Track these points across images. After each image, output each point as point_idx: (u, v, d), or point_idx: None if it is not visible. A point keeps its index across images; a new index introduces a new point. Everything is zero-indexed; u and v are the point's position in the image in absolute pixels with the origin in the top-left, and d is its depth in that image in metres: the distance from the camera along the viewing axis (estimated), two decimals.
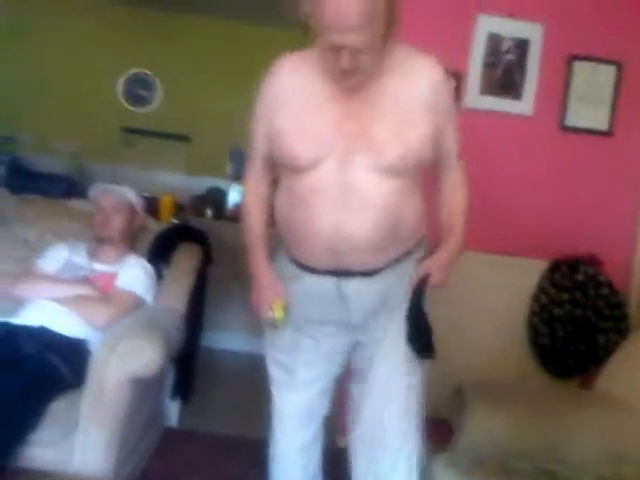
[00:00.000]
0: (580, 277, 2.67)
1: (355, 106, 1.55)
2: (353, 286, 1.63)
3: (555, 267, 2.71)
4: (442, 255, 1.68)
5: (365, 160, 1.52)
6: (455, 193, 1.74)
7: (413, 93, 1.57)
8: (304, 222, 1.60)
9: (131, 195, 2.81)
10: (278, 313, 1.72)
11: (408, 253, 1.68)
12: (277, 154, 1.64)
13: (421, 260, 1.70)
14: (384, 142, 1.53)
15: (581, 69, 2.84)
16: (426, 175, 1.69)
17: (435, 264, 1.67)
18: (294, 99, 1.61)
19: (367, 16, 1.39)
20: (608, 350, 2.55)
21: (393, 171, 1.54)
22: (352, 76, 1.50)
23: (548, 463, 1.81)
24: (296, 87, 1.62)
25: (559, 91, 2.86)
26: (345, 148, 1.53)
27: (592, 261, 2.65)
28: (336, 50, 1.44)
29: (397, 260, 1.66)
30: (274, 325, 1.74)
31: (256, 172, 1.79)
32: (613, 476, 1.78)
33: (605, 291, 2.63)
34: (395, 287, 1.67)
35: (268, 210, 1.78)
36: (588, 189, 2.89)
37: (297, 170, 1.58)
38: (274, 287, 1.75)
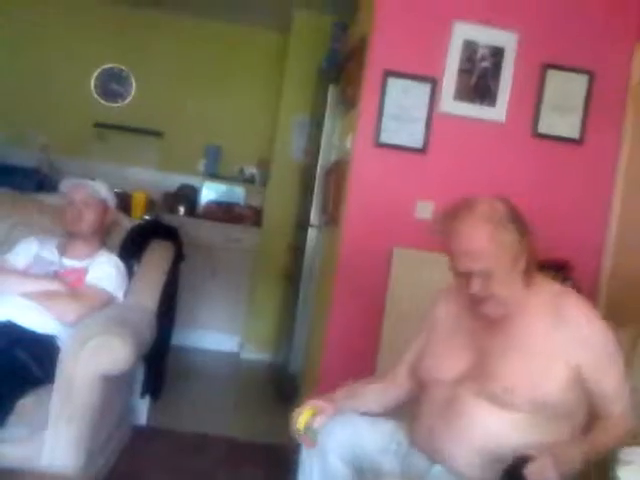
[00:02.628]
0: None
1: (490, 340, 1.62)
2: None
3: None
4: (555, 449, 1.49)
5: (473, 387, 1.58)
6: (606, 422, 1.60)
7: (552, 335, 1.56)
8: (411, 425, 1.72)
9: (103, 190, 2.78)
10: (303, 418, 1.67)
11: None
12: (419, 369, 1.79)
13: None
14: (496, 373, 1.56)
15: (554, 77, 2.89)
16: None
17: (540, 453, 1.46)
18: (444, 326, 1.77)
19: (489, 244, 1.53)
20: None
21: (501, 403, 1.54)
22: (485, 303, 1.59)
23: None
24: (448, 316, 1.77)
25: (532, 98, 2.91)
26: (461, 373, 1.62)
27: (560, 265, 2.70)
28: (466, 276, 1.56)
29: None
30: (297, 432, 1.69)
31: (399, 373, 1.88)
32: None
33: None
34: None
35: (379, 407, 1.84)
36: (559, 195, 2.95)
37: (422, 384, 1.74)
38: (327, 403, 1.75)
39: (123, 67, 5.10)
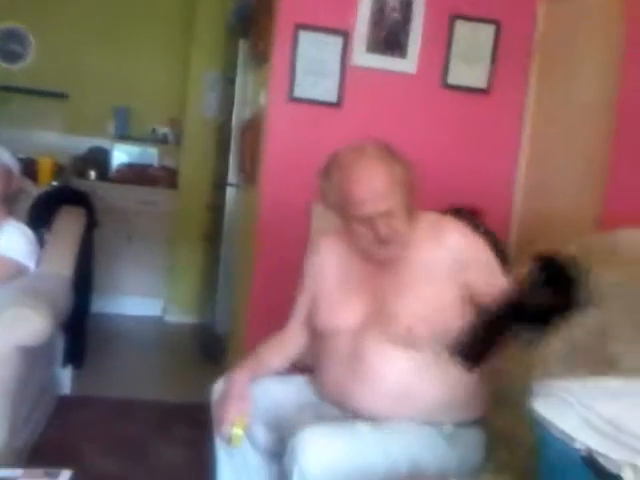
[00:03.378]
0: None
1: (383, 282, 1.63)
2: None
3: None
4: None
5: (375, 333, 1.59)
6: None
7: (439, 261, 1.59)
8: (319, 380, 1.72)
9: (6, 157, 2.67)
10: (237, 430, 1.62)
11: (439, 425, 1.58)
12: (312, 320, 1.78)
13: None
14: (397, 314, 1.57)
15: (462, 28, 2.94)
16: None
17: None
18: (333, 274, 1.75)
19: (391, 183, 1.54)
20: None
21: (405, 343, 1.56)
22: (390, 244, 1.58)
23: None
24: (335, 264, 1.75)
25: (441, 50, 2.95)
26: (361, 321, 1.62)
27: (473, 211, 2.79)
28: (371, 221, 1.54)
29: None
30: (229, 441, 1.65)
31: (293, 328, 1.86)
32: None
33: (486, 240, 2.78)
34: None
35: (284, 362, 1.84)
36: (469, 144, 3.03)
37: (320, 335, 1.73)
38: (242, 401, 1.68)
39: (21, 26, 4.80)
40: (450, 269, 1.58)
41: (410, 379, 1.57)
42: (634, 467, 1.13)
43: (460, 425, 1.54)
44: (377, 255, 1.62)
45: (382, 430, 1.50)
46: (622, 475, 1.14)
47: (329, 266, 1.77)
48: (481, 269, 1.62)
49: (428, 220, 1.67)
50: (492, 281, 1.59)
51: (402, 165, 1.58)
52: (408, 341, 1.56)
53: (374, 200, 1.52)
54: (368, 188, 1.53)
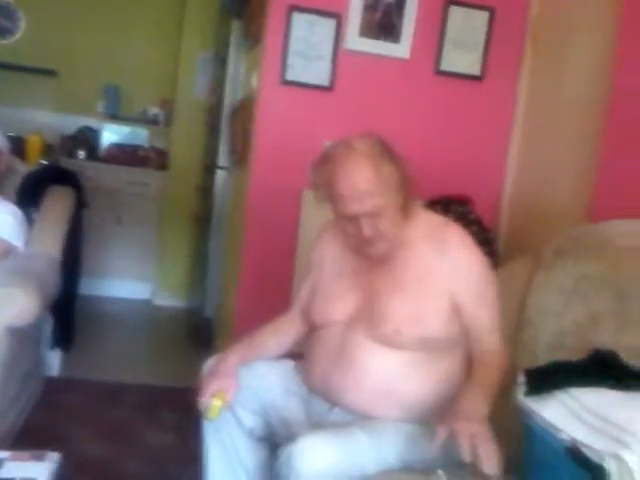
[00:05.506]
0: (452, 216, 2.80)
1: (376, 278, 1.62)
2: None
3: (430, 207, 2.83)
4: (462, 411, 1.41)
5: (364, 329, 1.59)
6: (484, 359, 1.58)
7: (436, 266, 1.57)
8: (306, 369, 1.72)
9: None
10: (216, 403, 1.63)
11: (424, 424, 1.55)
12: (308, 310, 1.78)
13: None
14: (385, 315, 1.56)
15: (456, 14, 2.92)
16: None
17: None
18: (330, 266, 1.74)
19: (376, 183, 1.50)
20: None
21: (391, 343, 1.55)
22: (375, 244, 1.56)
23: None
24: (333, 255, 1.75)
25: (435, 35, 2.93)
26: (352, 315, 1.62)
27: (463, 200, 2.79)
28: (355, 219, 1.53)
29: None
30: (205, 412, 1.65)
31: (292, 316, 1.86)
32: None
33: (475, 228, 2.78)
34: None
35: (281, 347, 1.83)
36: (461, 132, 3.02)
37: (313, 325, 1.73)
38: (228, 378, 1.68)
39: (10, 0, 4.72)
40: (444, 277, 1.57)
41: (394, 376, 1.57)
42: (617, 458, 1.14)
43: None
44: (365, 252, 1.61)
45: (376, 435, 1.50)
46: (605, 466, 1.15)
47: (328, 257, 1.76)
48: (471, 284, 1.58)
49: (430, 222, 1.65)
50: (479, 308, 1.59)
51: (394, 163, 1.55)
52: (394, 342, 1.56)
53: (359, 199, 1.50)
54: (354, 186, 1.50)
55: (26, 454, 1.52)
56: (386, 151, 1.55)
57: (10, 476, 1.41)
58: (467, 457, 1.29)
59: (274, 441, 1.73)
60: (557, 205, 2.60)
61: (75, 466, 1.81)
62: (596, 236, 1.89)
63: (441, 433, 1.36)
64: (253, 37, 3.19)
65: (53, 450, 1.54)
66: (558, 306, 1.82)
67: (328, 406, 1.65)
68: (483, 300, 1.60)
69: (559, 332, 1.78)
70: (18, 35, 4.75)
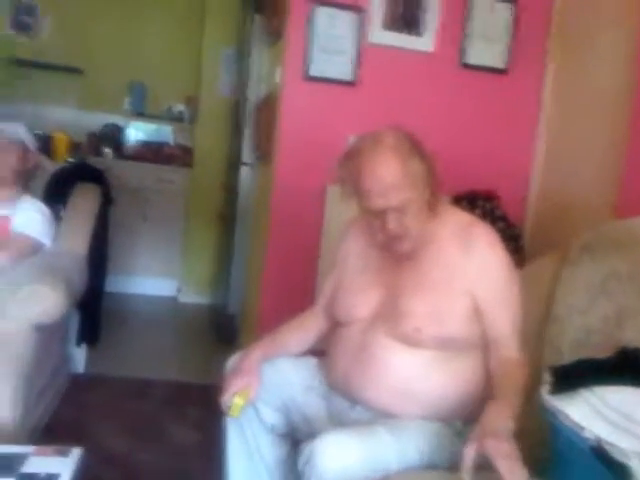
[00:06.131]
0: (478, 211, 2.77)
1: (399, 276, 1.60)
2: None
3: (455, 202, 2.80)
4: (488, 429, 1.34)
5: (385, 328, 1.57)
6: (505, 369, 1.53)
7: (460, 266, 1.54)
8: (328, 367, 1.71)
9: (22, 132, 2.66)
10: (238, 400, 1.63)
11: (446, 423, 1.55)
12: (331, 306, 1.77)
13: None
14: (407, 314, 1.54)
15: (480, 6, 2.88)
16: None
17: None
18: (355, 262, 1.73)
19: (403, 177, 1.48)
20: None
21: (411, 342, 1.54)
22: (400, 240, 1.55)
23: None
24: (358, 251, 1.73)
25: (459, 28, 2.90)
26: (374, 313, 1.61)
27: (489, 196, 2.76)
28: (381, 214, 1.51)
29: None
30: (227, 410, 1.66)
31: (316, 312, 1.86)
32: None
33: (501, 225, 2.75)
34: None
35: (304, 343, 1.83)
36: (486, 126, 2.99)
37: (336, 322, 1.72)
38: (249, 376, 1.68)
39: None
40: (468, 278, 1.54)
41: (414, 375, 1.55)
42: None
43: (470, 422, 1.52)
44: (390, 249, 1.60)
45: (399, 433, 1.48)
46: (630, 464, 1.13)
47: (353, 252, 1.75)
48: (494, 286, 1.55)
49: (457, 220, 1.63)
50: (500, 311, 1.55)
51: (421, 158, 1.52)
52: (414, 340, 1.54)
53: (385, 193, 1.48)
54: (380, 179, 1.48)
55: (50, 449, 1.53)
56: (414, 146, 1.53)
57: (34, 471, 1.43)
58: None
59: (295, 437, 1.73)
60: (584, 200, 2.56)
61: (100, 461, 1.83)
62: (624, 232, 1.85)
63: (470, 452, 1.30)
64: (275, 32, 3.18)
65: (78, 445, 1.55)
66: (584, 302, 1.78)
67: (349, 403, 1.64)
68: (505, 303, 1.57)
69: (585, 329, 1.74)
70: (44, 34, 4.81)
